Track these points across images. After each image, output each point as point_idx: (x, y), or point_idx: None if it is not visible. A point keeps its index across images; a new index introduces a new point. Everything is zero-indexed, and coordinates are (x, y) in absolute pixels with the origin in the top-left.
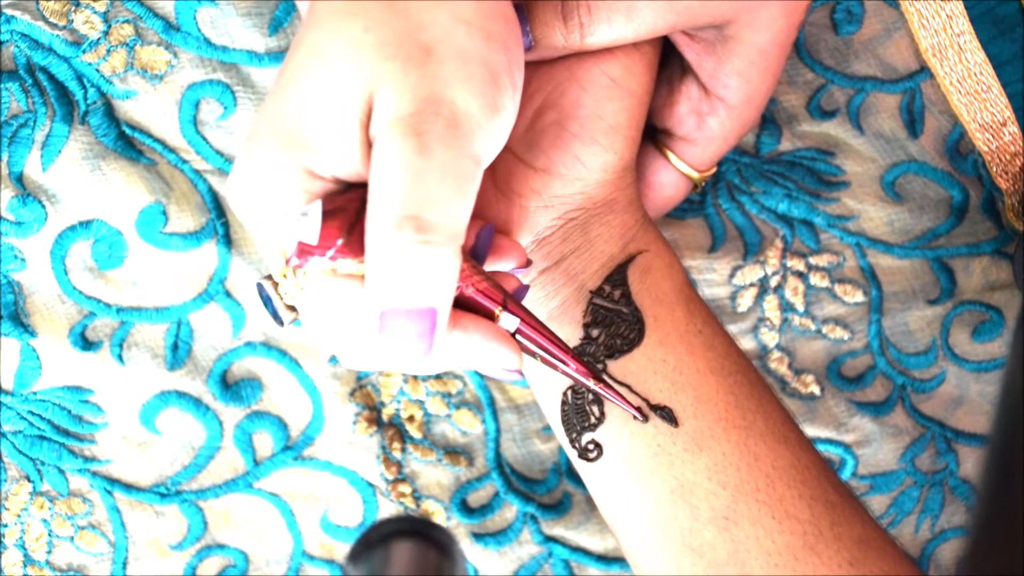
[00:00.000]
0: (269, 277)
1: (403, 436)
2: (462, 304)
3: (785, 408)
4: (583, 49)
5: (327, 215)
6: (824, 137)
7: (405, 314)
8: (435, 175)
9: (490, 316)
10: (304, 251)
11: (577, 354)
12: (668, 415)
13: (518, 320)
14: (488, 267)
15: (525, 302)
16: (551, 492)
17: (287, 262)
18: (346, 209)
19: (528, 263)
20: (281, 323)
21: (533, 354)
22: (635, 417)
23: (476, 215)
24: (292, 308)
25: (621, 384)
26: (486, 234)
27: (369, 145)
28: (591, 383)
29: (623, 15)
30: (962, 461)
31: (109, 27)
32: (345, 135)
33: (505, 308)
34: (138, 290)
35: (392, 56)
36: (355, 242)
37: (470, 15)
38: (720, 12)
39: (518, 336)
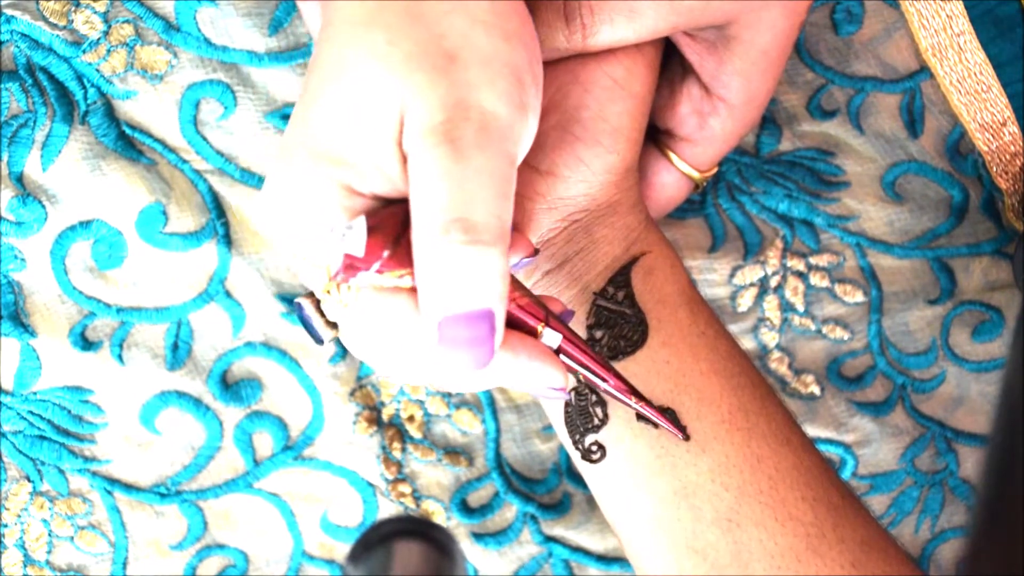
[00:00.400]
0: (310, 295)
1: (403, 436)
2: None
3: (787, 410)
4: (585, 50)
5: (370, 230)
6: (824, 137)
7: (463, 319)
8: (474, 178)
9: (532, 333)
10: (351, 266)
11: (617, 371)
12: (672, 417)
13: (560, 337)
14: None
15: None
16: (551, 492)
17: (332, 278)
18: (387, 224)
19: (535, 252)
20: (321, 342)
21: (575, 372)
22: (677, 435)
23: None
24: (333, 325)
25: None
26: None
27: (404, 159)
28: (632, 401)
29: (625, 16)
30: (962, 461)
31: (109, 27)
32: (381, 151)
33: (547, 324)
34: (138, 290)
35: (418, 68)
36: (402, 253)
37: (486, 16)
38: (722, 13)
39: (560, 354)
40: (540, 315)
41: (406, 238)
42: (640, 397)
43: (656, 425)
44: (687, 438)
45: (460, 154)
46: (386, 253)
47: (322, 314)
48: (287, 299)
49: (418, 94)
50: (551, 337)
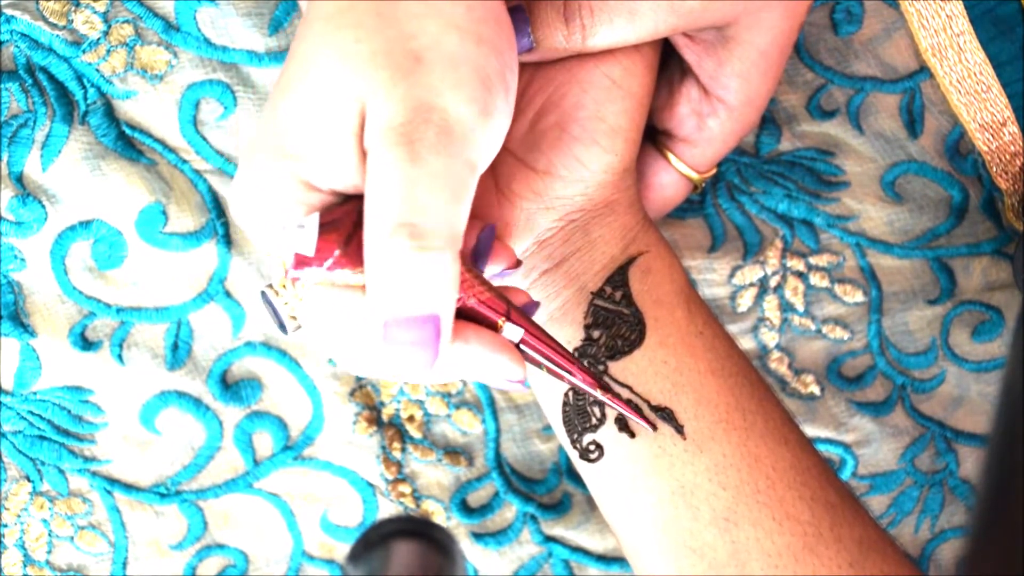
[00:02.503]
0: (271, 286)
1: (403, 436)
2: (466, 315)
3: (785, 409)
4: (584, 51)
5: (324, 227)
6: (824, 137)
7: (408, 322)
8: (429, 182)
9: (493, 327)
10: (301, 262)
11: (583, 364)
12: (669, 417)
13: (522, 331)
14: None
15: None
16: (551, 492)
17: (286, 273)
18: (343, 220)
19: (518, 264)
20: (285, 331)
21: (538, 364)
22: (644, 427)
23: (477, 217)
24: (295, 317)
25: (623, 386)
26: (487, 235)
27: (364, 156)
28: (598, 393)
29: (625, 17)
30: (962, 461)
31: (109, 27)
32: (340, 148)
33: (508, 319)
34: (138, 290)
35: (382, 65)
36: (353, 253)
37: (461, 20)
38: (722, 14)
39: (522, 347)
40: (501, 309)
41: (359, 236)
42: (607, 389)
43: (625, 419)
44: (654, 428)
45: (417, 157)
46: (337, 252)
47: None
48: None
49: (380, 93)
50: (512, 331)
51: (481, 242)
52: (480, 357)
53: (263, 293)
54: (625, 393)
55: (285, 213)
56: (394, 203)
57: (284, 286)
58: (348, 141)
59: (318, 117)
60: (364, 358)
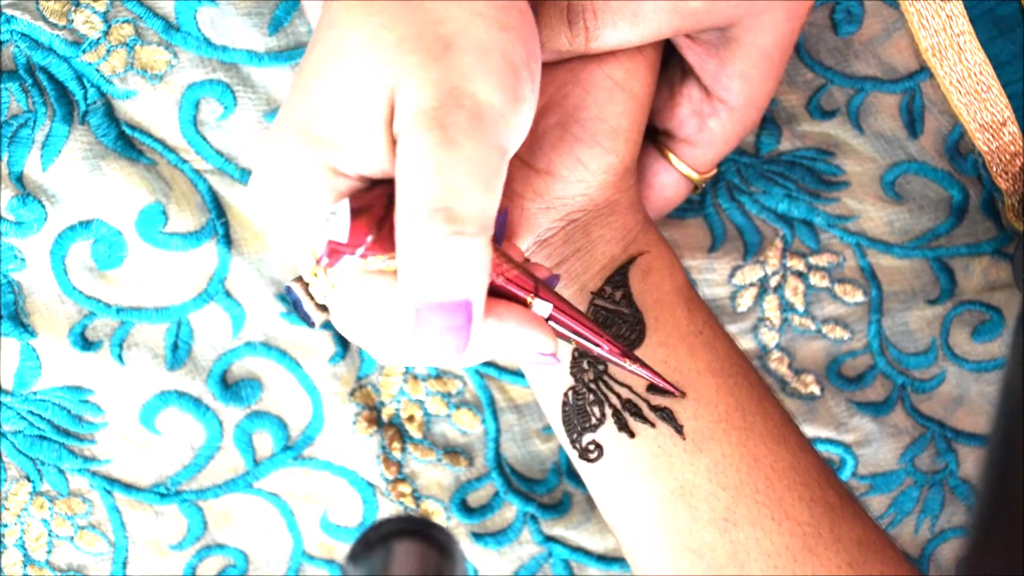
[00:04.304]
0: (299, 279)
1: (403, 436)
2: (494, 293)
3: (785, 410)
4: (588, 52)
5: (355, 213)
6: (824, 137)
7: (440, 308)
8: (461, 167)
9: (523, 303)
10: (335, 250)
11: (610, 336)
12: (668, 416)
13: (551, 306)
14: None
15: None
16: (551, 492)
17: (318, 262)
18: (374, 206)
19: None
20: (312, 325)
21: (567, 339)
22: (673, 394)
23: None
24: (323, 308)
25: (622, 385)
26: (500, 220)
27: (393, 141)
28: (627, 363)
29: (628, 19)
30: (962, 461)
31: (109, 27)
32: (369, 132)
33: (537, 295)
34: (138, 290)
35: (411, 51)
36: (385, 238)
37: (486, 8)
38: (724, 16)
39: (551, 322)
40: (529, 286)
41: (390, 221)
42: (635, 359)
43: (656, 388)
44: (683, 395)
45: (450, 141)
46: (370, 238)
47: (311, 297)
48: (288, 300)
49: (410, 77)
50: (541, 307)
51: (497, 226)
52: (513, 333)
53: (288, 288)
54: (624, 393)
55: (312, 201)
56: (428, 187)
57: (315, 275)
58: (377, 125)
59: (347, 102)
60: (396, 346)
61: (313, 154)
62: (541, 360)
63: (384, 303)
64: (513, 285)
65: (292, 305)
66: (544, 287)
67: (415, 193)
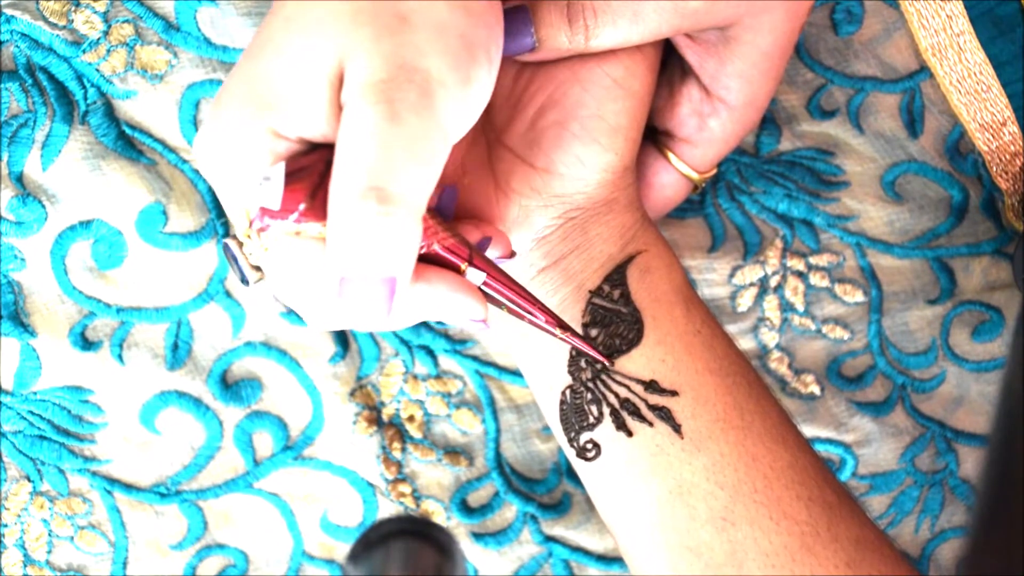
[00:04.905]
0: (234, 237)
1: (403, 436)
2: (430, 260)
3: (783, 409)
4: (587, 51)
5: (291, 177)
6: (824, 137)
7: (364, 281)
8: (403, 145)
9: (457, 271)
10: (267, 215)
11: (544, 305)
12: (666, 415)
13: (484, 275)
14: None
15: None
16: (551, 492)
17: (250, 224)
18: (311, 171)
19: (512, 254)
20: (247, 283)
21: (500, 305)
22: (604, 364)
23: (476, 216)
24: (258, 268)
25: (622, 385)
26: (449, 194)
27: (338, 108)
28: (558, 332)
29: (628, 18)
30: (962, 461)
31: (109, 27)
32: (313, 95)
33: (471, 264)
34: (138, 290)
35: (366, 23)
36: (319, 205)
37: None
38: (725, 15)
39: (485, 288)
40: (464, 254)
41: (324, 189)
42: (567, 328)
43: (584, 355)
44: (611, 363)
45: (395, 116)
46: (302, 206)
47: (246, 257)
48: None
49: (362, 48)
50: (475, 275)
51: (443, 202)
52: (443, 298)
53: (225, 245)
54: (622, 392)
55: (250, 160)
56: (366, 162)
57: (248, 236)
58: (321, 89)
59: (292, 66)
60: (323, 310)
61: (254, 115)
62: (472, 326)
63: (313, 268)
64: (449, 253)
65: (230, 261)
66: (480, 257)
67: (352, 167)
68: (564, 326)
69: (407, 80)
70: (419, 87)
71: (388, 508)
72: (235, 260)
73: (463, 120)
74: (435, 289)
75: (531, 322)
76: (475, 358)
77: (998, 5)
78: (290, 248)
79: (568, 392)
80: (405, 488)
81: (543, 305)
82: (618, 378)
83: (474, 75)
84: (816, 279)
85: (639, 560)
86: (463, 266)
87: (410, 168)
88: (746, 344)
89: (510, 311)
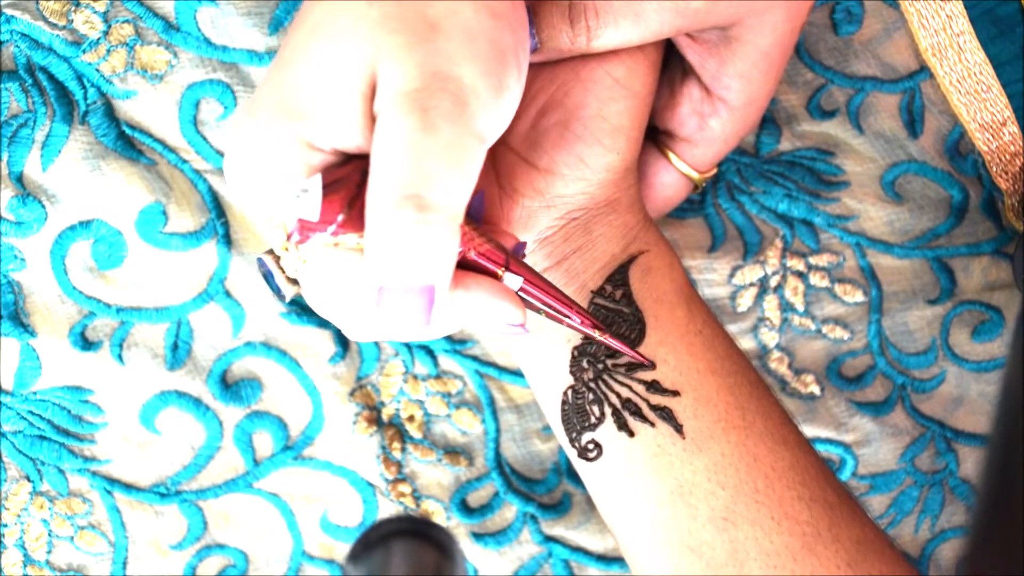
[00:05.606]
0: (270, 251)
1: (403, 436)
2: (465, 266)
3: (784, 409)
4: (589, 52)
5: (327, 189)
6: (824, 137)
7: (403, 291)
8: (438, 153)
9: (494, 277)
10: (306, 228)
11: (581, 307)
12: (668, 415)
13: (521, 279)
14: None
15: None
16: (551, 492)
17: (288, 237)
18: (347, 181)
19: (524, 256)
20: (283, 298)
21: (538, 310)
22: (644, 362)
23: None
24: (294, 281)
25: (622, 384)
26: (478, 200)
27: (371, 118)
28: (597, 335)
29: (630, 19)
30: (962, 461)
31: (109, 27)
32: (346, 105)
33: (508, 269)
34: (138, 290)
35: (397, 30)
36: (356, 216)
37: None
38: (726, 15)
39: (522, 294)
40: (500, 260)
41: (362, 200)
42: (605, 331)
43: (621, 355)
44: (653, 366)
45: (430, 125)
46: (340, 217)
47: (283, 270)
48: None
49: (394, 57)
50: (512, 280)
51: (471, 209)
52: (482, 304)
53: (260, 260)
54: (624, 392)
55: (285, 174)
56: (402, 171)
57: (286, 249)
58: (355, 100)
59: (325, 76)
60: (364, 321)
61: (288, 126)
62: (511, 331)
63: (352, 280)
64: (485, 259)
65: (263, 278)
66: (516, 261)
67: (389, 177)
68: (602, 328)
69: (440, 89)
70: (453, 95)
71: (388, 508)
72: (270, 275)
73: (496, 126)
74: (473, 296)
75: (568, 324)
76: (475, 358)
77: (998, 5)
78: (328, 260)
79: (570, 392)
80: (405, 488)
81: (580, 307)
82: (620, 378)
83: (505, 80)
84: (816, 279)
85: (640, 560)
86: (500, 271)
87: (446, 176)
88: (746, 344)
89: (547, 315)
